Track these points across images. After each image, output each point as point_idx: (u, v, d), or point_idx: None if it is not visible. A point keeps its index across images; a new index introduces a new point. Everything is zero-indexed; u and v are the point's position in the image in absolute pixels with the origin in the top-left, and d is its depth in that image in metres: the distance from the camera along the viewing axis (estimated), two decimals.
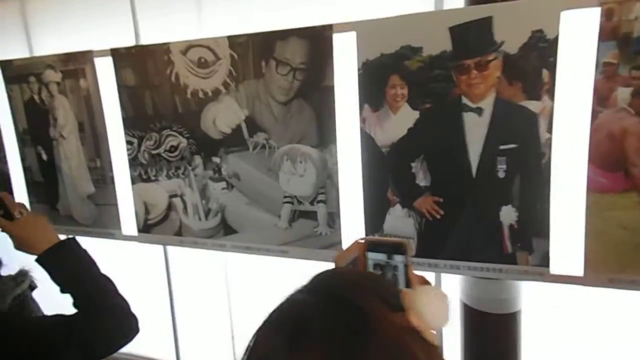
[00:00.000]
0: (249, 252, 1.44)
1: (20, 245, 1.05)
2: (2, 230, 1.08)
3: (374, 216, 1.25)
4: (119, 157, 1.61)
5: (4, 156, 1.83)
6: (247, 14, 1.59)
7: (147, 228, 1.60)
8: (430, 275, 1.40)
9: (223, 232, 1.47)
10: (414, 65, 1.12)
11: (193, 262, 1.93)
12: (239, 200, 1.42)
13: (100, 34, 1.84)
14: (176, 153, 1.49)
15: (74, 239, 1.06)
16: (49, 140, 1.70)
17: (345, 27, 1.18)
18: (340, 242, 1.30)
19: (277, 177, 1.35)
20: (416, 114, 1.15)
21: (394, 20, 1.13)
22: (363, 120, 1.21)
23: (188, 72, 1.40)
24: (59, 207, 1.75)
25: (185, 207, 1.52)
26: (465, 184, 1.13)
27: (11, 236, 1.07)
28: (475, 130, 1.10)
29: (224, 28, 1.61)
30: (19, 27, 2.04)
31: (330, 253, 1.32)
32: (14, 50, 2.03)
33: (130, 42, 1.76)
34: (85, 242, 1.06)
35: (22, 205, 1.14)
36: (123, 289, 1.02)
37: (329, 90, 1.23)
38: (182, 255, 1.71)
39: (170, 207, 1.54)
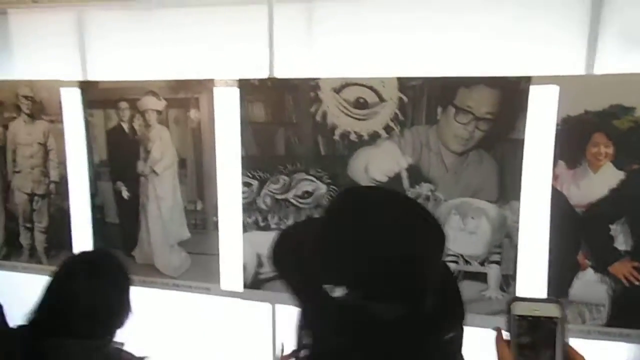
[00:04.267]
0: None
1: None
2: None
3: (560, 280, 1.16)
4: (227, 201, 1.41)
5: (66, 190, 1.54)
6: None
7: (257, 283, 1.38)
8: (606, 343, 1.31)
9: None
10: (624, 125, 1.09)
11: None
12: None
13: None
14: (309, 200, 1.32)
15: None
16: (134, 175, 1.46)
17: (545, 80, 1.13)
18: None
19: None
20: (621, 175, 1.10)
21: (605, 78, 1.10)
22: (555, 177, 1.14)
23: (340, 112, 1.27)
24: (136, 254, 1.49)
25: None
26: None
27: None
28: None
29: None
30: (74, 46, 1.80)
31: (500, 320, 1.20)
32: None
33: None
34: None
35: None
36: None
37: (518, 144, 1.16)
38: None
39: None
